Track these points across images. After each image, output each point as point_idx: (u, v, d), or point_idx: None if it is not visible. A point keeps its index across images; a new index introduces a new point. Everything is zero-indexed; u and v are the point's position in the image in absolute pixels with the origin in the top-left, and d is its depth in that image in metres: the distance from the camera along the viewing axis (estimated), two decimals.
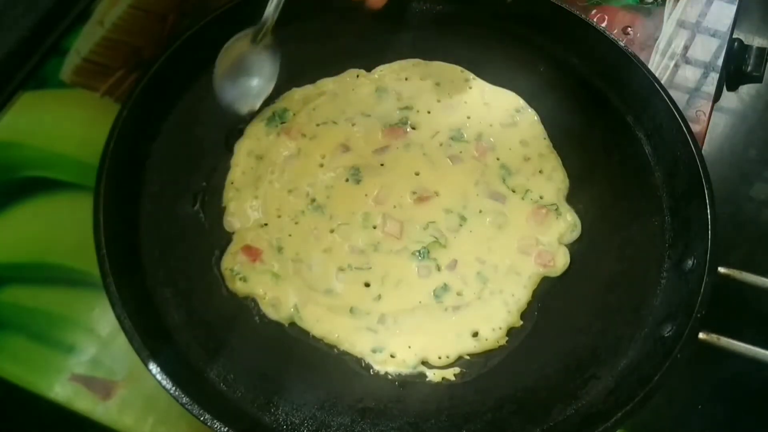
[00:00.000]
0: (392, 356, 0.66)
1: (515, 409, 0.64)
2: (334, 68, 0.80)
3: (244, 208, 0.71)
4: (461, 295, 0.68)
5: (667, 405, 0.67)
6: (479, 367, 0.66)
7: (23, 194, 0.75)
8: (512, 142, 0.76)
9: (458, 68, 0.81)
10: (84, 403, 0.66)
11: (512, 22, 0.83)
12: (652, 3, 0.90)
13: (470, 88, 0.80)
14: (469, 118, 0.78)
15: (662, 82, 0.77)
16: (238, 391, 0.63)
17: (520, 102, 0.79)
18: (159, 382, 0.59)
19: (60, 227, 0.74)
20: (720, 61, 0.86)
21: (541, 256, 0.70)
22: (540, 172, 0.75)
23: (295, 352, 0.66)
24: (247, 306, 0.67)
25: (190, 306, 0.67)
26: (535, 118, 0.78)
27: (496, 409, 0.64)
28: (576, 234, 0.72)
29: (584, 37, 0.80)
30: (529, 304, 0.69)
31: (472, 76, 0.81)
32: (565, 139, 0.77)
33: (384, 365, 0.65)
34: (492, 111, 0.78)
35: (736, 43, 0.86)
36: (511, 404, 0.64)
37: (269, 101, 0.77)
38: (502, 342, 0.67)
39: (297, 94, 0.78)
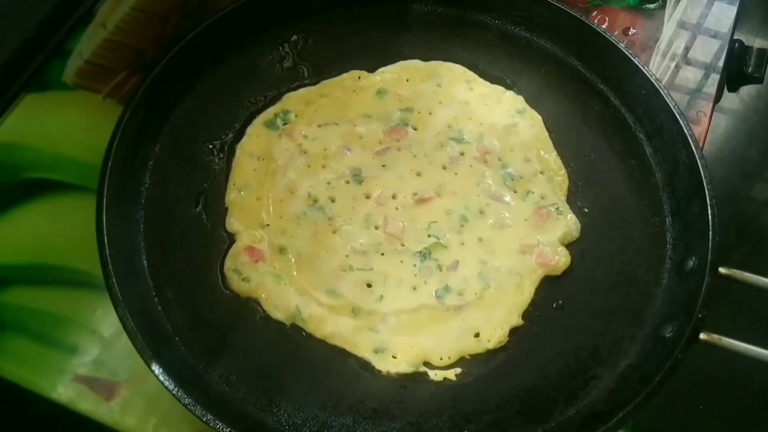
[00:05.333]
0: (394, 357, 0.66)
1: (517, 410, 0.64)
2: (335, 69, 0.80)
3: (246, 208, 0.71)
4: (462, 295, 0.68)
5: (668, 405, 0.67)
6: (481, 368, 0.66)
7: (26, 196, 0.75)
8: (513, 143, 0.77)
9: (459, 69, 0.81)
10: (87, 403, 0.66)
11: (513, 23, 0.84)
12: (654, 6, 0.90)
13: (471, 89, 0.80)
14: (470, 119, 0.78)
15: (663, 83, 0.77)
16: (240, 392, 0.63)
17: (521, 103, 0.79)
18: (161, 383, 0.59)
19: (62, 229, 0.74)
20: (721, 62, 0.86)
21: (542, 256, 0.70)
22: (541, 172, 0.75)
23: (297, 353, 0.66)
24: (249, 307, 0.68)
25: (192, 307, 0.67)
26: (536, 118, 0.78)
27: (497, 410, 0.64)
28: (577, 234, 0.72)
29: (585, 38, 0.80)
30: (531, 304, 0.69)
31: (473, 77, 0.81)
32: (566, 139, 0.77)
33: (386, 366, 0.65)
34: (493, 112, 0.78)
35: (736, 44, 0.86)
36: (513, 404, 0.64)
37: (271, 103, 0.78)
38: (504, 342, 0.67)
39: (298, 95, 0.79)
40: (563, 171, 0.76)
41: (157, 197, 0.72)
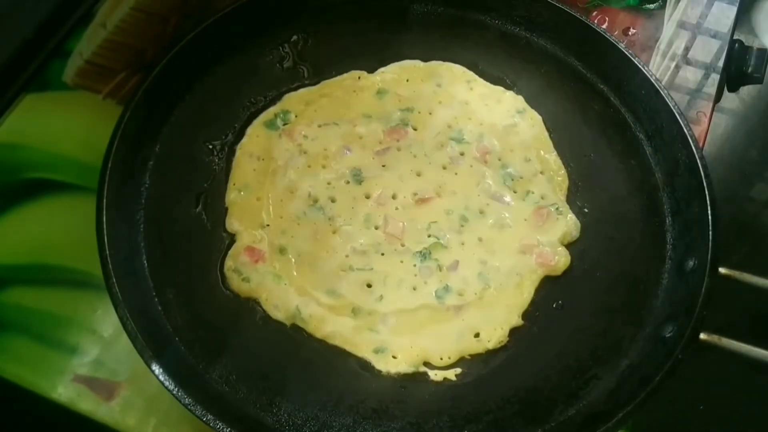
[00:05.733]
0: (394, 357, 0.66)
1: (517, 410, 0.64)
2: (335, 70, 0.80)
3: (247, 209, 0.71)
4: (462, 295, 0.68)
5: (669, 405, 0.67)
6: (480, 368, 0.66)
7: (26, 196, 0.75)
8: (513, 143, 0.77)
9: (459, 69, 0.81)
10: (87, 404, 0.66)
11: (513, 23, 0.84)
12: (654, 6, 0.90)
13: (471, 89, 0.80)
14: (470, 119, 0.78)
15: (663, 83, 0.77)
16: (240, 392, 0.63)
17: (521, 103, 0.79)
18: (161, 383, 0.59)
19: (62, 229, 0.74)
20: (721, 62, 0.86)
21: (542, 256, 0.70)
22: (541, 172, 0.75)
23: (297, 353, 0.66)
24: (249, 307, 0.68)
25: (192, 307, 0.67)
26: (536, 118, 0.78)
27: (497, 410, 0.64)
28: (577, 234, 0.72)
29: (585, 38, 0.80)
30: (531, 304, 0.69)
31: (473, 77, 0.81)
32: (566, 139, 0.77)
33: (386, 365, 0.65)
34: (493, 112, 0.78)
35: (736, 45, 0.86)
36: (513, 404, 0.64)
37: (271, 103, 0.78)
38: (504, 342, 0.67)
39: (298, 95, 0.79)
40: (563, 171, 0.76)
41: (157, 197, 0.72)
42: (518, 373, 0.66)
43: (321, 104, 0.78)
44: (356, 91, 0.79)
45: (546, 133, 0.78)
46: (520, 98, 0.80)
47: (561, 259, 0.71)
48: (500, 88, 0.80)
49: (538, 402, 0.64)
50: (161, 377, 0.59)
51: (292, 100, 0.78)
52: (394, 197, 0.73)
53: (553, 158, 0.76)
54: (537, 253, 0.71)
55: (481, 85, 0.80)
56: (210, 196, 0.73)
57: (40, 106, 0.81)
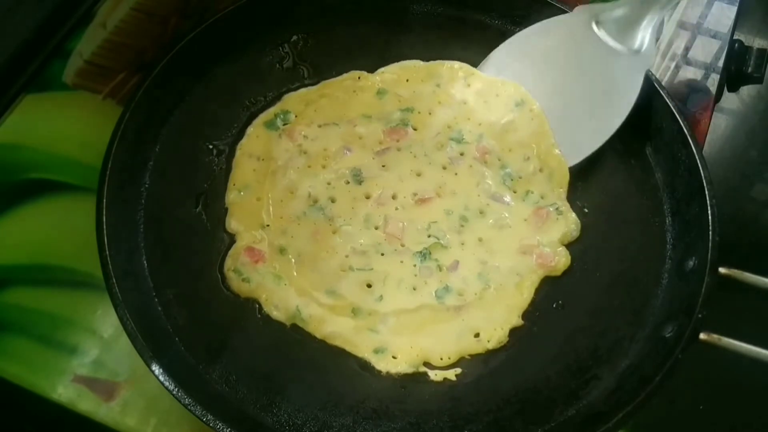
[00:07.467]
0: (394, 357, 0.66)
1: (517, 410, 0.64)
2: (335, 70, 0.80)
3: (246, 209, 0.71)
4: (462, 295, 0.68)
5: (669, 405, 0.67)
6: (481, 368, 0.66)
7: (26, 196, 0.75)
8: (512, 142, 0.77)
9: (458, 66, 0.81)
10: (87, 404, 0.66)
11: (513, 23, 0.83)
12: None
13: (469, 85, 0.79)
14: (469, 119, 0.78)
15: (663, 83, 0.77)
16: (240, 392, 0.63)
17: (520, 94, 0.78)
18: (161, 383, 0.59)
19: (62, 229, 0.74)
20: (721, 63, 0.86)
21: (542, 256, 0.70)
22: (540, 171, 0.75)
23: (297, 353, 0.66)
24: (249, 307, 0.68)
25: (192, 307, 0.67)
26: (536, 110, 0.77)
27: (497, 410, 0.64)
28: (577, 234, 0.72)
29: None
30: (531, 304, 0.69)
31: (470, 70, 0.80)
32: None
33: (386, 366, 0.65)
34: (492, 109, 0.78)
35: (736, 45, 0.86)
36: (513, 405, 0.64)
37: (271, 103, 0.78)
38: (504, 342, 0.67)
39: (298, 95, 0.79)
40: (563, 170, 0.75)
41: (157, 197, 0.72)
42: (518, 373, 0.66)
43: (321, 104, 0.78)
44: (356, 91, 0.79)
45: (547, 125, 0.77)
46: (521, 88, 0.78)
47: (561, 259, 0.71)
48: (498, 80, 0.79)
49: (538, 402, 0.64)
50: (161, 377, 0.59)
51: (292, 100, 0.78)
52: (394, 197, 0.73)
53: (552, 157, 0.75)
54: (537, 254, 0.71)
55: (479, 79, 0.80)
56: (210, 196, 0.73)
57: (40, 107, 0.81)
